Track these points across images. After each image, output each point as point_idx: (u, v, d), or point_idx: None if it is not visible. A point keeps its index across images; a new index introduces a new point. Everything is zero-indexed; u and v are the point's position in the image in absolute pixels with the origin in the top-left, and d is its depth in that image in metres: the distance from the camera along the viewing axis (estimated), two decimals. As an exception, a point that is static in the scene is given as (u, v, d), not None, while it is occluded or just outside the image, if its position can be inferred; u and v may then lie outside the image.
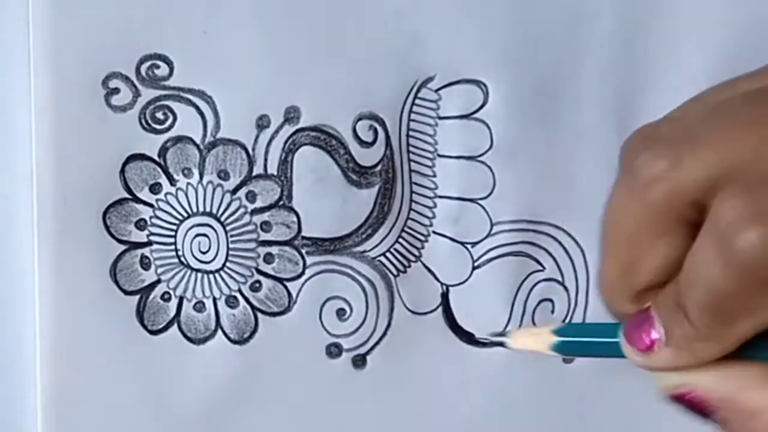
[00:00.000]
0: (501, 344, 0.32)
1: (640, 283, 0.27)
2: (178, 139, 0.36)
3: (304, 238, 0.37)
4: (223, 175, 0.36)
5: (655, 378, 0.28)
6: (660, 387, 0.28)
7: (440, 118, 0.37)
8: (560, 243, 0.38)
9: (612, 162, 0.37)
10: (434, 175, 0.37)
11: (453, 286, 0.38)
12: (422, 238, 0.38)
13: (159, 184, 0.36)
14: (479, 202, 0.38)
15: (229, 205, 0.37)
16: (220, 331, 0.37)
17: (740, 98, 0.24)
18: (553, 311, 0.38)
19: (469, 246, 0.38)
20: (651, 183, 0.25)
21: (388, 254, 0.38)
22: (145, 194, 0.36)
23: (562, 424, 0.39)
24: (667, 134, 0.25)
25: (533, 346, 0.30)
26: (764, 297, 0.24)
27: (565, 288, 0.38)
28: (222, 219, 0.36)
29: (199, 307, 0.37)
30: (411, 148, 0.37)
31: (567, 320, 0.39)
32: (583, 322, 0.32)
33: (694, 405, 0.27)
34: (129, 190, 0.36)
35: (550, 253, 0.38)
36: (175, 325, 0.37)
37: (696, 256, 0.25)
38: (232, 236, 0.37)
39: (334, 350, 0.38)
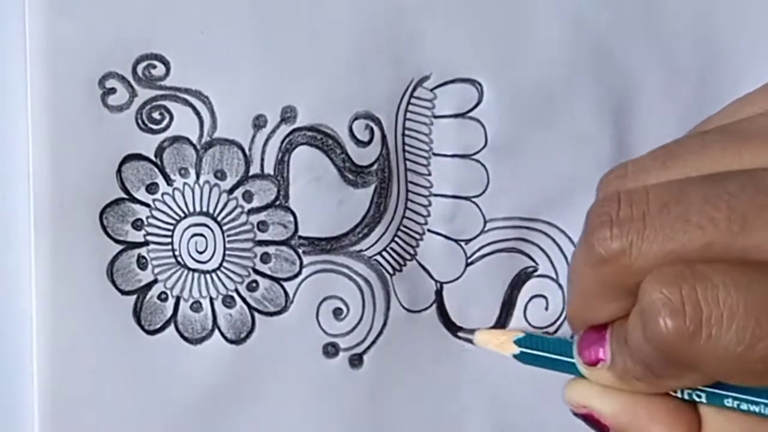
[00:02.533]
0: (470, 341, 0.35)
1: (592, 323, 0.30)
2: (175, 139, 0.36)
3: (300, 237, 0.37)
4: (220, 174, 0.36)
5: (565, 388, 0.31)
6: (566, 396, 0.30)
7: (435, 117, 0.37)
8: (553, 240, 0.39)
9: (605, 160, 0.38)
10: (429, 174, 0.38)
11: (446, 283, 0.38)
12: (417, 236, 0.38)
13: (156, 184, 0.36)
14: (473, 199, 0.38)
15: (225, 204, 0.37)
16: (217, 331, 0.37)
17: (692, 193, 0.26)
18: (546, 308, 0.39)
19: (462, 243, 0.38)
20: (602, 262, 0.27)
21: (384, 253, 0.38)
22: (141, 194, 0.36)
23: (558, 422, 0.40)
24: (625, 217, 0.27)
25: (496, 350, 0.35)
26: (685, 371, 0.27)
27: (559, 285, 0.39)
28: (219, 219, 0.37)
29: (196, 306, 0.37)
30: (407, 147, 0.37)
31: (561, 318, 0.39)
32: (544, 336, 0.34)
33: (592, 423, 0.30)
34: (126, 190, 0.36)
35: (543, 250, 0.39)
36: (172, 325, 0.36)
37: (631, 317, 0.27)
38: (228, 236, 0.37)
39: (330, 350, 0.38)
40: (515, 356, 0.33)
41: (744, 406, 0.27)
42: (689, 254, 0.25)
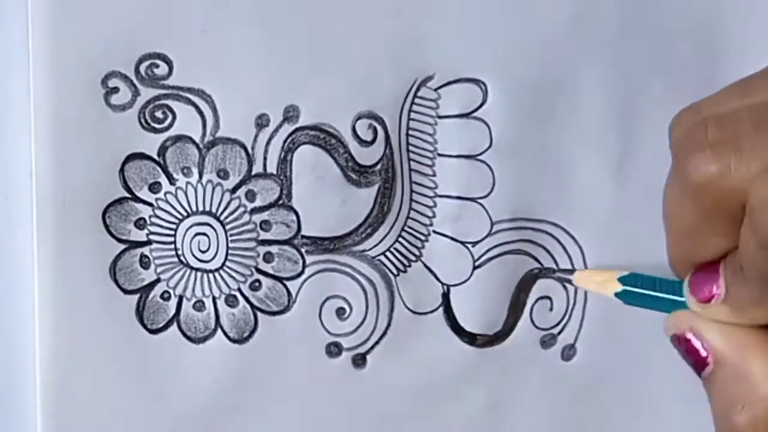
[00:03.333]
0: (569, 281, 0.34)
1: (700, 262, 0.28)
2: (178, 138, 0.36)
3: (303, 237, 0.37)
4: (223, 174, 0.36)
5: (668, 316, 0.29)
6: (667, 323, 0.29)
7: (440, 117, 0.37)
8: (559, 241, 0.38)
9: (611, 160, 0.38)
10: (434, 175, 0.37)
11: (454, 286, 0.38)
12: (422, 237, 0.38)
13: (158, 183, 0.36)
14: (479, 201, 0.38)
15: (228, 204, 0.36)
16: (219, 331, 0.37)
17: None
18: (551, 309, 0.39)
19: (469, 245, 0.38)
20: (701, 189, 0.26)
21: (388, 254, 0.38)
22: (144, 193, 0.36)
23: (563, 424, 0.39)
24: (717, 140, 0.26)
25: (596, 289, 0.34)
26: None
27: (564, 286, 0.38)
28: (221, 218, 0.36)
29: (199, 306, 0.37)
30: (411, 147, 0.37)
31: (566, 319, 0.39)
32: (648, 275, 0.33)
33: (689, 351, 0.29)
34: (128, 189, 0.36)
35: (548, 251, 0.38)
36: (175, 324, 0.37)
37: (742, 235, 0.26)
38: (231, 235, 0.37)
39: (333, 349, 0.38)
40: (617, 294, 0.32)
41: None
42: None
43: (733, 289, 0.27)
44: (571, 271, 0.35)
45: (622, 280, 0.32)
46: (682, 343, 0.29)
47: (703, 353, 0.28)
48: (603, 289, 0.34)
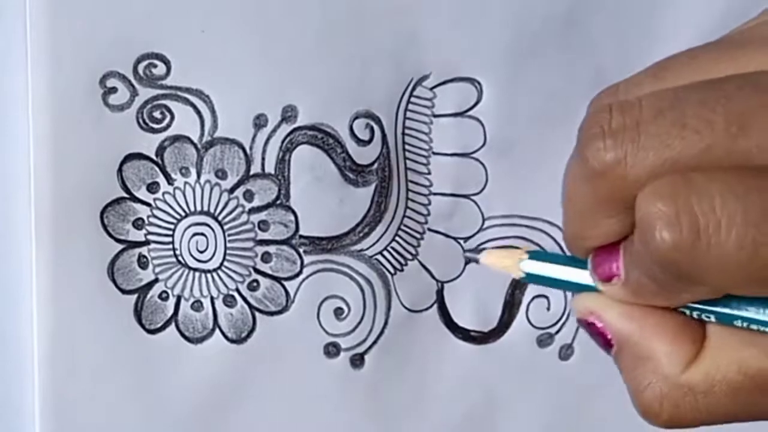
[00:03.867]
0: (475, 261, 0.33)
1: (593, 245, 0.28)
2: (176, 138, 0.36)
3: (301, 237, 0.37)
4: (221, 174, 0.36)
5: (573, 298, 0.29)
6: (573, 305, 0.29)
7: (435, 116, 0.38)
8: (553, 239, 0.39)
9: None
10: (429, 173, 0.38)
11: (447, 282, 0.38)
12: (418, 235, 0.38)
13: (156, 183, 0.36)
14: (472, 197, 0.38)
15: (226, 204, 0.37)
16: (217, 331, 0.37)
17: (688, 97, 0.25)
18: (548, 308, 0.39)
19: (461, 241, 0.38)
20: (597, 175, 0.26)
21: (385, 252, 0.38)
22: (142, 193, 0.36)
23: (560, 422, 0.39)
24: (618, 127, 0.25)
25: (501, 266, 0.32)
26: (691, 285, 0.26)
27: (560, 284, 0.39)
28: (219, 218, 0.37)
29: (197, 306, 0.37)
30: (407, 146, 0.38)
31: (563, 318, 0.39)
32: (552, 253, 0.33)
33: (594, 333, 0.29)
34: (126, 189, 0.36)
35: (542, 249, 0.39)
36: (173, 325, 0.36)
37: (634, 234, 0.26)
38: (229, 235, 0.37)
39: (332, 350, 0.38)
40: (522, 279, 0.32)
41: (754, 326, 0.26)
42: (688, 161, 0.24)
43: (631, 274, 0.27)
44: (479, 251, 0.34)
45: (527, 262, 0.32)
46: (586, 326, 0.29)
47: (608, 335, 0.28)
48: (510, 271, 0.33)
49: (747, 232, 0.23)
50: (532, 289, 0.39)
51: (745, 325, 0.26)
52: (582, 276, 0.29)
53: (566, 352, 0.39)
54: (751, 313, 0.26)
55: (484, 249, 0.33)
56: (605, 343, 0.29)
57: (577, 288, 0.30)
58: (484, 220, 0.38)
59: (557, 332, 0.39)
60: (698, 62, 0.26)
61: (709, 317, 0.27)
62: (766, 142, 0.24)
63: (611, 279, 0.27)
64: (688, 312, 0.27)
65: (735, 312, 0.26)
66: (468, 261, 0.35)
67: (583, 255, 0.29)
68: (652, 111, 0.25)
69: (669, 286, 0.26)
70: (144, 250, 0.36)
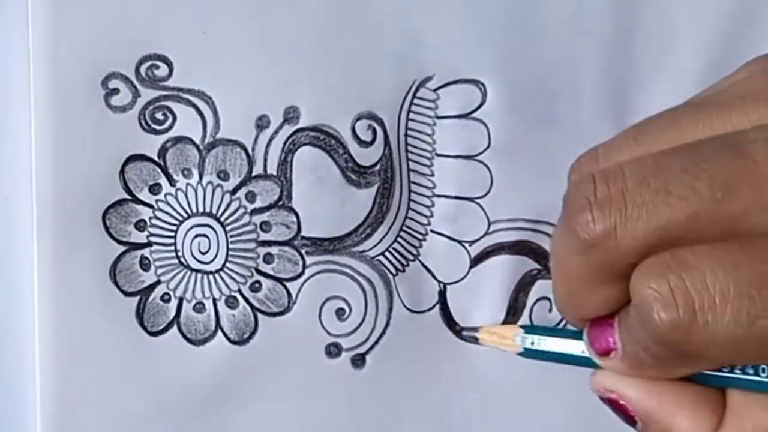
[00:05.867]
0: (475, 339, 0.33)
1: (587, 314, 0.28)
2: (178, 140, 0.36)
3: (303, 238, 0.37)
4: (223, 175, 0.36)
5: (592, 374, 0.29)
6: (591, 383, 0.29)
7: (438, 117, 0.37)
8: (557, 241, 0.38)
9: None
10: (432, 175, 0.38)
11: (450, 284, 0.38)
12: (420, 237, 0.38)
13: (159, 185, 0.36)
14: (477, 201, 0.38)
15: (228, 205, 0.37)
16: (220, 332, 0.37)
17: (671, 164, 0.25)
18: (551, 310, 0.39)
19: (466, 244, 0.38)
20: (587, 247, 0.26)
21: (387, 254, 0.38)
22: (144, 195, 0.36)
23: (561, 422, 0.40)
24: (603, 198, 0.25)
25: (499, 345, 0.32)
26: (692, 360, 0.26)
27: (562, 286, 0.39)
28: (222, 219, 0.36)
29: (199, 307, 0.37)
30: (409, 148, 0.37)
31: (566, 320, 0.39)
32: (549, 327, 0.33)
33: (617, 410, 0.29)
34: (129, 191, 0.36)
35: (547, 252, 0.39)
36: (175, 326, 0.36)
37: (630, 311, 0.26)
38: (231, 236, 0.37)
39: (333, 350, 0.38)
40: (520, 354, 0.32)
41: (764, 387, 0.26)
42: (676, 228, 0.24)
43: (628, 348, 0.27)
44: (476, 329, 0.34)
45: (522, 339, 0.32)
46: (608, 403, 0.29)
47: (630, 412, 0.28)
48: (507, 348, 0.33)
49: (741, 306, 0.23)
50: (535, 292, 0.39)
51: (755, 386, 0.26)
52: (579, 347, 0.29)
53: (568, 353, 0.39)
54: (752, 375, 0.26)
55: (480, 328, 0.33)
56: (628, 420, 0.28)
57: (578, 360, 0.30)
58: (489, 224, 0.38)
59: (559, 333, 0.39)
60: (676, 125, 0.26)
61: (720, 382, 0.27)
62: (751, 206, 0.24)
63: (609, 353, 0.27)
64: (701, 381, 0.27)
65: (738, 377, 0.26)
66: (467, 340, 0.35)
67: (577, 323, 0.29)
68: (636, 179, 0.25)
69: (668, 362, 0.26)
70: (146, 251, 0.36)
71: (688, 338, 0.24)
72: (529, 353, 0.31)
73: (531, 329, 0.31)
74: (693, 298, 0.24)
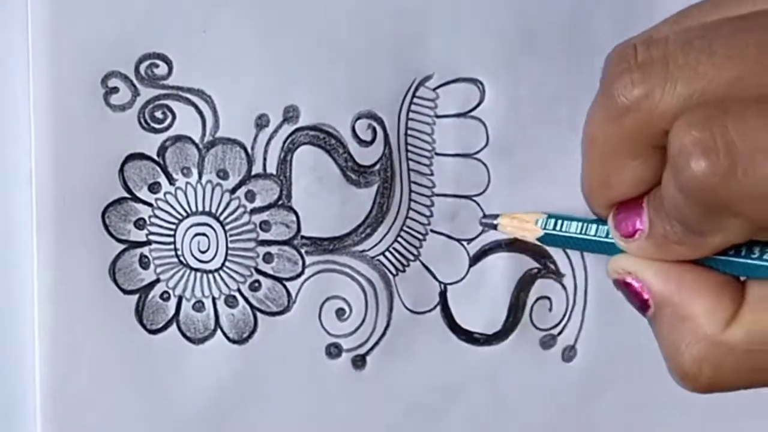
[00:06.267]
0: (493, 227, 0.33)
1: (616, 195, 0.28)
2: (177, 139, 0.36)
3: (303, 237, 0.37)
4: (222, 174, 0.36)
5: (609, 260, 0.29)
6: (609, 266, 0.29)
7: (438, 116, 0.37)
8: (557, 241, 0.38)
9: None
10: (432, 174, 0.38)
11: (451, 284, 0.38)
12: (420, 236, 0.38)
13: (158, 184, 0.36)
14: (474, 198, 0.38)
15: (228, 204, 0.37)
16: (219, 331, 0.37)
17: (718, 28, 0.24)
18: (551, 309, 0.39)
19: (464, 243, 0.38)
20: (624, 111, 0.25)
21: (387, 253, 0.38)
22: (144, 193, 0.36)
23: (562, 423, 0.39)
24: (645, 61, 0.25)
25: (520, 234, 0.33)
26: (725, 219, 0.25)
27: (563, 286, 0.39)
28: (221, 218, 0.36)
29: (199, 306, 0.37)
30: (409, 147, 0.37)
31: (566, 320, 0.39)
32: (568, 215, 0.33)
33: (632, 294, 0.28)
34: (128, 190, 0.36)
35: (546, 251, 0.38)
36: (174, 325, 0.36)
37: (664, 173, 0.26)
38: (231, 236, 0.37)
39: (333, 351, 0.38)
40: (539, 239, 0.32)
41: None
42: (717, 91, 0.24)
43: (656, 225, 0.26)
44: (495, 216, 0.34)
45: (545, 222, 0.32)
46: (623, 287, 0.28)
47: (645, 295, 0.28)
48: (526, 233, 0.33)
49: None
50: (535, 291, 0.39)
51: None
52: (601, 233, 0.29)
53: (569, 353, 0.39)
54: None
55: (500, 215, 0.33)
56: (642, 304, 0.28)
57: (597, 246, 0.29)
58: (486, 221, 0.38)
59: (560, 333, 0.39)
60: (721, 6, 0.25)
61: (744, 271, 0.26)
62: None
63: (634, 234, 0.27)
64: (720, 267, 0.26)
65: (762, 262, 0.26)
66: (485, 227, 0.34)
67: (603, 209, 0.28)
68: (680, 42, 0.24)
69: (698, 226, 0.25)
70: (145, 250, 0.36)
71: (725, 188, 0.23)
72: (548, 239, 0.31)
73: (553, 215, 0.31)
74: (736, 146, 0.23)
